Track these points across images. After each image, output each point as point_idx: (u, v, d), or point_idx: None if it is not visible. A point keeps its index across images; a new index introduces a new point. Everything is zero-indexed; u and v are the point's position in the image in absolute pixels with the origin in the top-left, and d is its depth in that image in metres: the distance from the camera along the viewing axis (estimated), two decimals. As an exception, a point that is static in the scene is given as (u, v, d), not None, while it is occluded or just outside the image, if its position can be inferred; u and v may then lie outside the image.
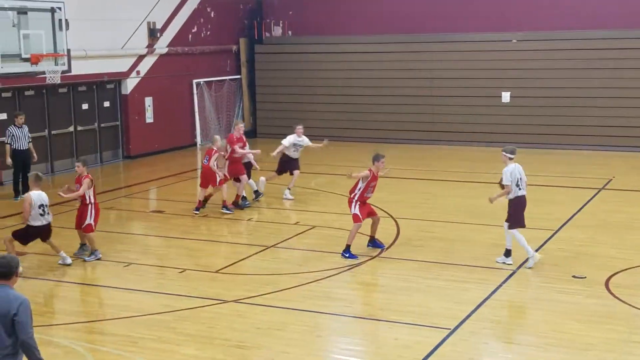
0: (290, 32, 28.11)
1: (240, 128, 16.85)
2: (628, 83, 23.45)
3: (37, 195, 12.14)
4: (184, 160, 22.76)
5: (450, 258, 12.76)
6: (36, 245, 13.53)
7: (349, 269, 12.30)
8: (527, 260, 12.14)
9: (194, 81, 25.66)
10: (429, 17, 25.74)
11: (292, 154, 17.17)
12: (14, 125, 17.69)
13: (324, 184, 19.09)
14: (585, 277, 11.63)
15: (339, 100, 26.56)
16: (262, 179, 17.19)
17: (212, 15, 26.49)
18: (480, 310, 10.40)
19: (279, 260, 12.88)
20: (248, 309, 10.55)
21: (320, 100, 26.75)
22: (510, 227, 12.21)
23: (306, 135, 17.32)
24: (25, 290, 10.90)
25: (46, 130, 20.87)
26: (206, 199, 16.23)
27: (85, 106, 22.18)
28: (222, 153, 16.21)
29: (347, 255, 12.74)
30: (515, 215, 12.19)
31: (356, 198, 12.79)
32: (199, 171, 18.75)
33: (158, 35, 23.86)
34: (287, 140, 17.07)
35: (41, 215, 12.17)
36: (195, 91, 25.73)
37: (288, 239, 14.16)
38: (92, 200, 12.94)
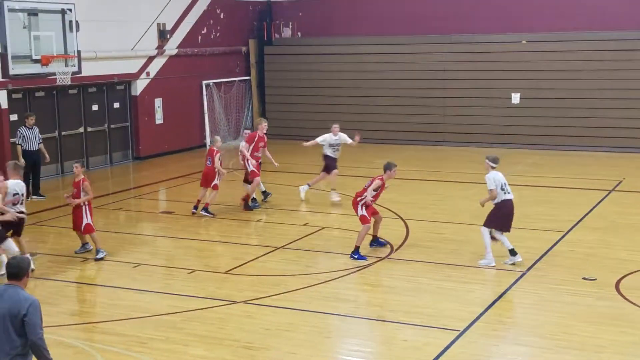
0: (299, 34, 28.12)
1: (264, 127, 16.77)
2: (638, 84, 23.34)
3: (14, 183, 12.03)
4: (193, 161, 22.77)
5: (459, 259, 12.73)
6: (46, 245, 13.58)
7: (357, 270, 12.29)
8: (486, 258, 12.20)
9: (204, 82, 25.72)
10: (438, 18, 25.69)
11: (332, 153, 17.07)
12: (25, 126, 17.77)
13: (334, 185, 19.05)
14: (596, 279, 11.57)
15: (349, 101, 26.54)
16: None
17: (222, 16, 26.53)
18: (490, 311, 10.37)
19: (287, 262, 12.86)
20: (257, 309, 10.55)
21: (329, 101, 26.72)
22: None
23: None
24: (35, 291, 10.98)
25: (56, 132, 20.92)
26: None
27: (95, 107, 22.22)
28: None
29: (356, 256, 12.73)
30: (497, 218, 12.24)
31: (363, 202, 12.82)
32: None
33: (168, 36, 23.90)
34: (322, 138, 16.99)
35: (13, 204, 11.93)
36: (204, 92, 25.78)
37: (297, 240, 14.15)
38: (86, 202, 12.89)
